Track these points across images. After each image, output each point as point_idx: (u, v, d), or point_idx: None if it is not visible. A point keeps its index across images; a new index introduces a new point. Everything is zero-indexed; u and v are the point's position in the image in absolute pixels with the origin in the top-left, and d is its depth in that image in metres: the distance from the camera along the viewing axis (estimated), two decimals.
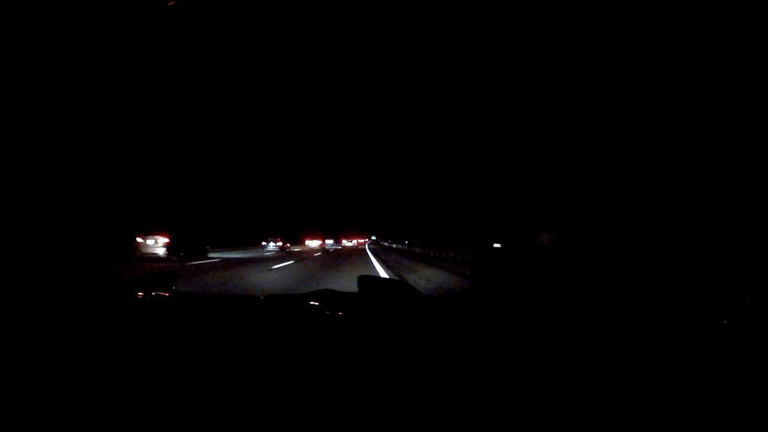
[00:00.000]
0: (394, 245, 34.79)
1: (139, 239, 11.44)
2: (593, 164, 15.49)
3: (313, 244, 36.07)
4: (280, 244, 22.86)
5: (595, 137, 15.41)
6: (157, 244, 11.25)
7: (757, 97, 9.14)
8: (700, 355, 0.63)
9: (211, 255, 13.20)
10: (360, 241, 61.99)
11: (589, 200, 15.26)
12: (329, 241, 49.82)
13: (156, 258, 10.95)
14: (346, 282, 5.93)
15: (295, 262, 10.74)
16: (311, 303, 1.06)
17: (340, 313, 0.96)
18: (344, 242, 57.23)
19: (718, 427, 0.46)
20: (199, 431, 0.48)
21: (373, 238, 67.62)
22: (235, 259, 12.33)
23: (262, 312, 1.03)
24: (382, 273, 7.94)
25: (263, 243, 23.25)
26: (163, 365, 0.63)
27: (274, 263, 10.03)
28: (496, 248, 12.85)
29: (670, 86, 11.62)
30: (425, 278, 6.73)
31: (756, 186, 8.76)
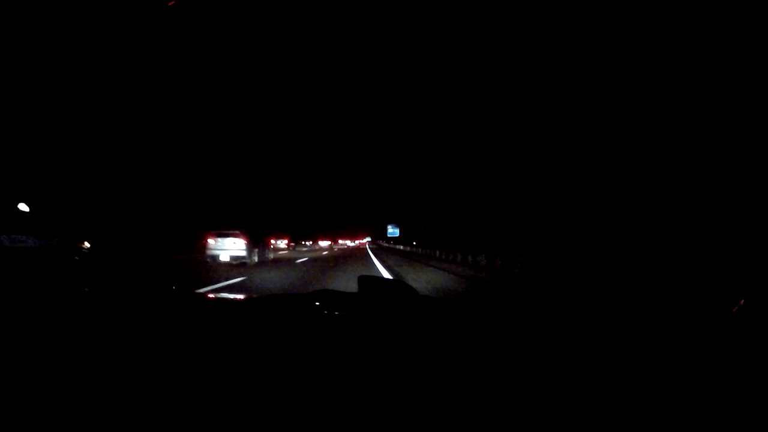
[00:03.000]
0: (385, 243, 58.93)
1: (272, 240, 23.81)
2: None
3: (324, 243, 56.90)
4: (311, 243, 44.88)
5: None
6: (282, 242, 32.23)
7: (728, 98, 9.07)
8: (697, 355, 0.62)
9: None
10: (362, 241, 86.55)
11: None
12: (337, 243, 67.85)
13: (282, 249, 28.86)
14: (351, 265, 10.50)
15: (328, 253, 22.53)
16: (312, 303, 1.06)
17: (341, 313, 0.95)
18: (347, 242, 76.01)
19: (718, 427, 0.45)
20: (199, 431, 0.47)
21: (368, 239, 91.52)
22: (301, 250, 30.18)
23: (263, 312, 1.01)
24: (372, 256, 15.86)
25: (302, 242, 43.81)
26: (163, 366, 0.62)
27: (321, 252, 23.92)
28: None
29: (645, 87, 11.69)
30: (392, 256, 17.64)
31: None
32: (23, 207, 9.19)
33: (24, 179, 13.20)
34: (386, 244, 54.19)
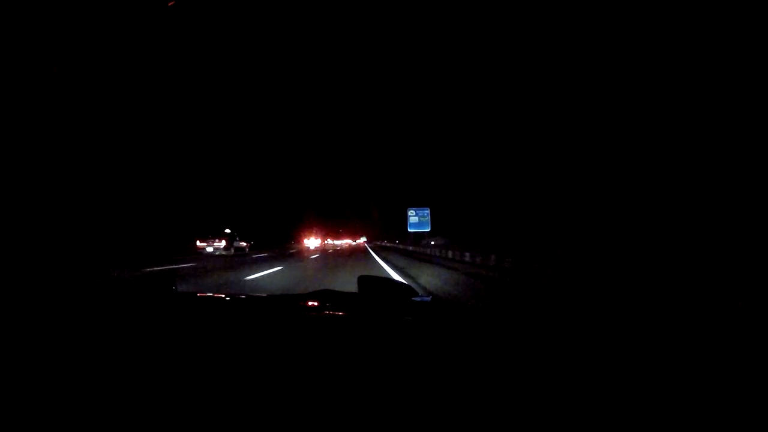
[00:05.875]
0: (380, 243, 67.97)
1: (305, 239, 42.19)
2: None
3: (338, 242, 70.12)
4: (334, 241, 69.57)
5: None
6: (317, 239, 44.82)
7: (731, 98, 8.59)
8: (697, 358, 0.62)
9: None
10: (360, 241, 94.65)
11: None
12: (339, 241, 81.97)
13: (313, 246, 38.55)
14: (358, 256, 16.25)
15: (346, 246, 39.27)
16: (312, 303, 1.08)
17: (341, 313, 0.96)
18: (349, 241, 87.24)
19: (718, 427, 0.46)
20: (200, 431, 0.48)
21: (364, 238, 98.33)
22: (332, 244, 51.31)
23: (263, 312, 1.02)
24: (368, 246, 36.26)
25: (329, 239, 66.80)
26: (163, 366, 0.63)
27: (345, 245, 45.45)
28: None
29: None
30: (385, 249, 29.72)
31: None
32: (227, 230, 20.23)
33: (221, 214, 27.33)
34: (399, 246, 32.26)
